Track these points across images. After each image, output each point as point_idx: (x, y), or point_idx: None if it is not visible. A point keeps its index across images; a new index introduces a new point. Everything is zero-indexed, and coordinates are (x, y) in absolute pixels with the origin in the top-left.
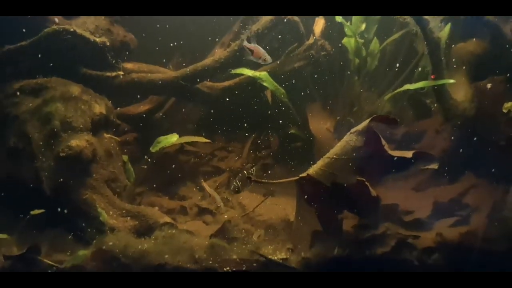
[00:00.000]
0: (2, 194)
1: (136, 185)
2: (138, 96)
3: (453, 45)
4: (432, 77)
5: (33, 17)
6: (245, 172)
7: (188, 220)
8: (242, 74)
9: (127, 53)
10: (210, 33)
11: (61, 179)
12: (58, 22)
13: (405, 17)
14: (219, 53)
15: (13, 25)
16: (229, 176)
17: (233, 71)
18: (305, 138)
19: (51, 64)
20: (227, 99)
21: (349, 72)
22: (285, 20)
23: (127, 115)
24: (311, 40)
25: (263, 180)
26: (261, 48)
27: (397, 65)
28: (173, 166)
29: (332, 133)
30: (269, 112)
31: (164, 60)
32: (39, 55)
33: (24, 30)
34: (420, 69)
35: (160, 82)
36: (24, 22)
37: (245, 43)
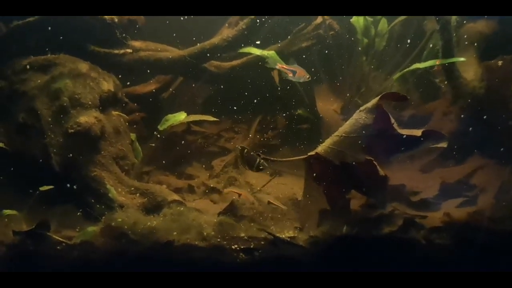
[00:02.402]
0: (11, 170)
1: (143, 163)
2: (148, 71)
3: (464, 22)
4: (437, 62)
5: None
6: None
7: (196, 198)
8: (249, 54)
9: (136, 30)
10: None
11: (70, 155)
12: None
13: None
14: (227, 32)
15: None
16: (236, 156)
17: (241, 50)
18: (312, 119)
19: (59, 41)
20: (234, 78)
21: (359, 50)
22: None
23: (134, 95)
24: (319, 20)
25: (272, 158)
26: (299, 67)
27: (408, 42)
28: (180, 145)
29: (339, 114)
30: (276, 92)
31: (174, 34)
32: (47, 32)
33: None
34: (431, 46)
35: (168, 60)
36: None
37: (280, 66)
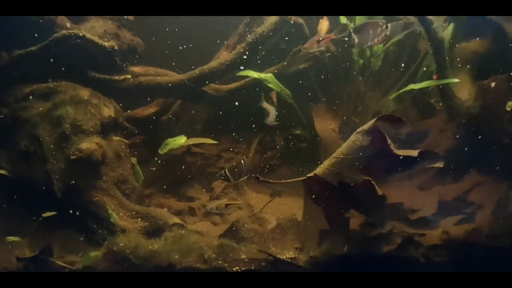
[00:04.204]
0: (14, 197)
1: (144, 186)
2: (148, 99)
3: (456, 45)
4: (434, 77)
5: (42, 21)
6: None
7: (196, 220)
8: (248, 76)
9: (137, 56)
10: (216, 36)
11: (72, 181)
12: (69, 27)
13: (409, 17)
14: (225, 55)
15: (21, 30)
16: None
17: (239, 73)
18: (310, 139)
19: (60, 68)
20: (233, 100)
21: (354, 73)
22: (291, 22)
23: (134, 118)
24: None
25: (270, 180)
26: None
27: (402, 65)
28: (181, 167)
29: (337, 133)
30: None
31: (173, 64)
32: (48, 60)
33: (36, 35)
34: (424, 68)
35: (168, 85)
36: (33, 26)
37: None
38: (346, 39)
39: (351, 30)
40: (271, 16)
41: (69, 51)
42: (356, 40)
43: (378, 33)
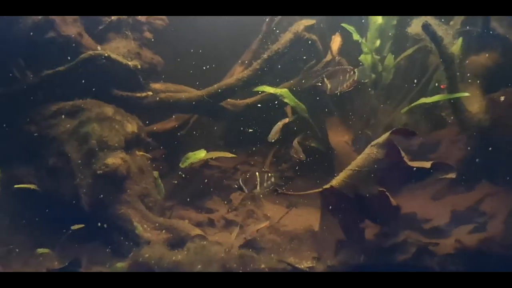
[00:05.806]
0: (45, 211)
1: (165, 199)
2: (169, 111)
3: (466, 61)
4: (442, 87)
5: (68, 43)
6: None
7: (216, 232)
8: (264, 91)
9: (160, 76)
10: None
11: (99, 195)
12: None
13: (420, 33)
14: (241, 72)
15: (49, 52)
16: None
17: (256, 89)
18: (324, 151)
19: (86, 87)
20: (250, 115)
21: (367, 84)
22: (305, 39)
23: (155, 133)
24: (329, 57)
25: (288, 192)
26: None
27: (415, 80)
28: (199, 180)
29: (350, 145)
30: (289, 125)
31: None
32: (75, 79)
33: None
34: (436, 84)
35: (187, 101)
36: (60, 48)
37: None
38: (320, 84)
39: (324, 76)
40: (286, 33)
41: (94, 70)
42: (329, 86)
43: (347, 78)
